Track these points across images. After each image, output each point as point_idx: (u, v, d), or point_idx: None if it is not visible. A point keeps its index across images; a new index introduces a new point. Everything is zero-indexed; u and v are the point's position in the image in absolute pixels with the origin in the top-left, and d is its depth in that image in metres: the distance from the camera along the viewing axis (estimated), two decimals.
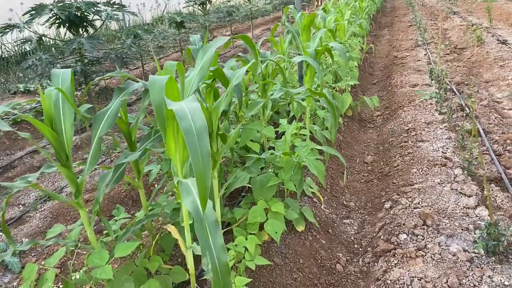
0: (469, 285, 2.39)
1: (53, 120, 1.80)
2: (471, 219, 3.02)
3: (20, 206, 4.02)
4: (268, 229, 2.61)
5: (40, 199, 4.05)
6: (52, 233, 2.13)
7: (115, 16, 5.59)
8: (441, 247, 2.73)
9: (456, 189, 3.41)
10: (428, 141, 4.46)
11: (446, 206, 3.21)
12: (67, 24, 5.41)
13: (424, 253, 2.72)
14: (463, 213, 3.11)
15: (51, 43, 9.45)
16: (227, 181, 2.64)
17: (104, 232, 2.45)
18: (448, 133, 4.55)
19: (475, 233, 2.80)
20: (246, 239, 2.44)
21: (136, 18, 13.89)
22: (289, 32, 4.41)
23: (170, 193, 2.87)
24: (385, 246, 2.92)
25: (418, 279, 2.50)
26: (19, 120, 5.80)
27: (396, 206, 3.37)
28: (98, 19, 5.81)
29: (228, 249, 2.35)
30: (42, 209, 3.88)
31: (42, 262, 2.00)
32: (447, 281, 2.43)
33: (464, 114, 5.02)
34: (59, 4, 5.13)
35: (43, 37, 5.86)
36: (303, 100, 3.61)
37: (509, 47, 7.96)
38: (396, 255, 2.78)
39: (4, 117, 5.61)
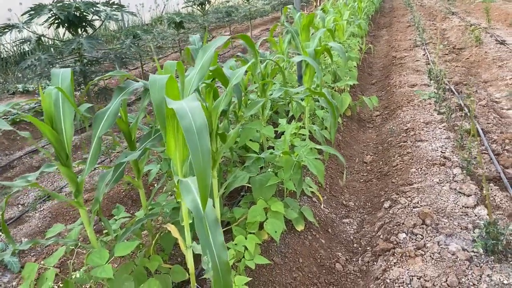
0: (468, 284, 2.40)
1: (53, 119, 1.80)
2: (470, 218, 3.03)
3: (19, 206, 4.01)
4: (267, 229, 2.61)
5: (40, 199, 4.05)
6: (51, 233, 2.13)
7: (114, 16, 5.60)
8: (440, 246, 2.73)
9: (455, 189, 3.42)
10: (427, 140, 4.47)
11: (445, 206, 3.22)
12: (66, 24, 5.42)
13: (423, 252, 2.72)
14: (462, 212, 3.12)
15: (50, 43, 9.45)
16: (227, 181, 2.64)
17: (104, 231, 2.45)
18: (447, 132, 4.56)
19: (474, 232, 2.81)
20: (246, 238, 2.44)
21: (135, 19, 13.89)
22: (288, 32, 4.41)
23: (170, 192, 2.87)
24: (385, 245, 2.93)
25: (417, 278, 2.50)
26: (18, 120, 5.79)
27: (395, 206, 3.38)
28: (97, 19, 5.81)
29: (228, 248, 2.36)
30: (42, 209, 3.87)
31: (42, 262, 2.00)
32: (446, 280, 2.43)
33: (463, 114, 5.03)
34: (58, 4, 5.13)
35: (42, 37, 5.86)
36: (302, 100, 3.62)
37: (508, 47, 7.98)
38: (395, 254, 2.79)
39: (3, 117, 5.61)
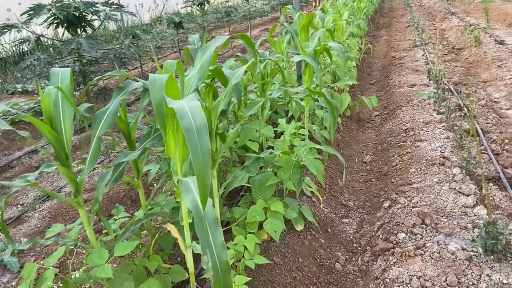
0: (468, 283, 2.40)
1: (52, 119, 1.80)
2: (469, 218, 3.03)
3: (19, 206, 4.01)
4: (267, 228, 2.61)
5: (39, 199, 4.05)
6: (51, 233, 2.13)
7: (114, 16, 5.59)
8: (440, 246, 2.74)
9: (455, 188, 3.42)
10: (426, 140, 4.47)
11: (445, 205, 3.22)
12: (65, 24, 5.41)
13: (423, 252, 2.72)
14: (461, 212, 3.12)
15: (49, 43, 9.44)
16: (226, 181, 2.64)
17: (104, 231, 2.45)
18: (446, 132, 4.56)
19: (473, 232, 2.81)
20: (245, 238, 2.44)
21: (134, 19, 13.89)
22: (287, 32, 4.42)
23: (169, 192, 2.87)
24: (384, 245, 2.93)
25: (417, 278, 2.51)
26: (17, 120, 5.79)
27: (395, 205, 3.38)
28: (97, 19, 5.81)
29: (228, 248, 2.36)
30: (41, 209, 3.87)
31: (41, 262, 2.00)
32: (446, 280, 2.43)
33: (462, 114, 5.04)
34: (57, 4, 5.13)
35: (41, 37, 5.86)
36: (301, 99, 3.62)
37: (507, 47, 7.99)
38: (395, 254, 2.79)
39: (2, 117, 5.60)
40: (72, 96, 1.88)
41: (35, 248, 3.24)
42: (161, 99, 1.44)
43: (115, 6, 5.73)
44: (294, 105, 3.89)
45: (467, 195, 3.30)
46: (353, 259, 3.06)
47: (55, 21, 5.35)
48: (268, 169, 2.95)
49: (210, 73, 2.32)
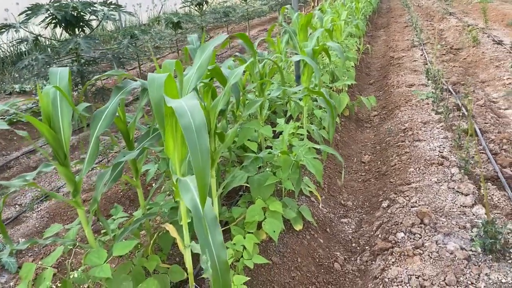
0: (467, 283, 2.40)
1: (51, 118, 1.79)
2: (468, 217, 3.04)
3: (17, 206, 4.00)
4: (266, 228, 2.61)
5: (37, 199, 4.03)
6: (49, 232, 2.12)
7: (112, 16, 5.58)
8: (439, 245, 2.74)
9: (453, 188, 3.43)
10: (425, 140, 4.48)
11: (443, 205, 3.23)
12: (63, 24, 5.40)
13: (421, 252, 2.73)
14: (460, 211, 3.12)
15: (47, 43, 9.42)
16: (225, 180, 2.64)
17: (102, 231, 2.45)
18: (445, 132, 4.57)
19: (472, 232, 2.82)
20: (244, 238, 2.44)
21: (132, 19, 13.86)
22: (286, 32, 4.42)
23: (168, 192, 2.86)
24: (383, 245, 2.93)
25: (416, 277, 2.51)
26: (14, 120, 5.78)
27: (394, 205, 3.38)
28: (95, 19, 5.80)
29: (226, 248, 2.35)
30: (39, 209, 3.86)
31: (40, 262, 1.99)
32: (444, 279, 2.44)
33: (461, 114, 5.05)
34: (55, 4, 5.12)
35: (39, 37, 5.84)
36: (300, 99, 3.62)
37: (505, 48, 8.01)
38: (393, 253, 2.79)
39: (0, 118, 5.59)
40: (70, 95, 1.87)
41: (33, 249, 3.23)
42: (160, 98, 1.44)
43: (113, 6, 5.72)
44: (292, 105, 3.89)
45: (466, 195, 3.30)
46: (352, 259, 3.06)
47: (53, 21, 5.33)
48: (267, 169, 2.95)
49: (208, 73, 2.32)
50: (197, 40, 2.80)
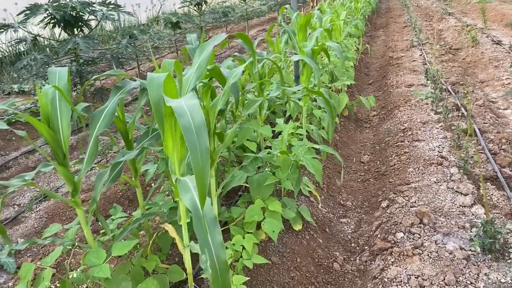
0: (466, 282, 2.40)
1: (50, 118, 1.78)
2: (467, 217, 3.04)
3: (15, 206, 3.99)
4: (265, 228, 2.60)
5: (36, 199, 4.03)
6: (48, 232, 2.12)
7: (111, 16, 5.58)
8: (438, 245, 2.74)
9: (452, 188, 3.43)
10: (424, 140, 4.48)
11: (443, 205, 3.23)
12: (62, 24, 5.40)
13: (421, 251, 2.72)
14: (459, 211, 3.12)
15: (46, 43, 9.41)
16: (224, 180, 2.64)
17: (101, 231, 2.44)
18: (444, 132, 4.57)
19: (471, 231, 2.82)
20: (244, 238, 2.43)
21: (131, 19, 13.86)
22: (285, 32, 4.42)
23: (167, 192, 2.86)
24: (382, 245, 2.93)
25: (415, 277, 2.50)
26: (13, 121, 5.77)
27: (393, 205, 3.38)
28: (94, 19, 5.79)
29: (226, 248, 2.35)
30: (38, 209, 3.85)
31: (38, 262, 1.99)
32: (444, 279, 2.44)
33: (460, 114, 5.05)
34: (54, 4, 5.11)
35: (37, 37, 5.84)
36: (299, 99, 3.61)
37: (504, 48, 8.02)
38: (393, 253, 2.79)
39: None
40: (69, 95, 1.87)
41: (32, 249, 3.22)
42: (159, 98, 1.43)
43: (112, 6, 5.72)
44: (292, 105, 3.89)
45: (465, 195, 3.30)
46: (351, 259, 3.06)
47: (52, 21, 5.33)
48: (266, 169, 2.94)
49: (208, 73, 2.31)
50: (196, 40, 2.80)
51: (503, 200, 3.25)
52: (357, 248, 3.18)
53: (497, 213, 3.10)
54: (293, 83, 4.62)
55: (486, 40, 8.93)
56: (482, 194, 3.24)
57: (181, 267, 2.19)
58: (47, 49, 6.15)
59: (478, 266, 2.51)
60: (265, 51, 6.67)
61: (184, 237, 1.88)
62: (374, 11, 15.55)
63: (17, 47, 9.42)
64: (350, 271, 2.92)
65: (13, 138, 5.57)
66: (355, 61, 6.81)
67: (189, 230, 1.89)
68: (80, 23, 5.54)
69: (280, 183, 2.92)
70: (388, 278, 2.56)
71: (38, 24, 5.40)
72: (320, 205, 3.51)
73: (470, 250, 2.66)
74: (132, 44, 6.55)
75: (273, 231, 2.59)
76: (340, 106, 4.97)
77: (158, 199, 2.61)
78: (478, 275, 2.45)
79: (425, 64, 7.69)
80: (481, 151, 4.10)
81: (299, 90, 3.24)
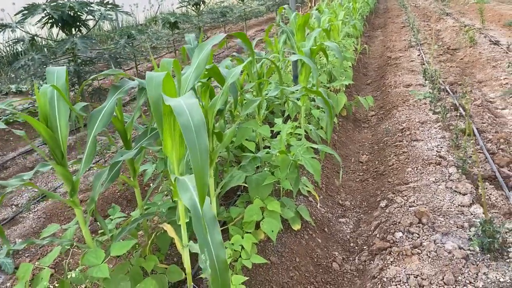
0: (465, 282, 2.40)
1: (48, 117, 1.78)
2: (466, 217, 3.04)
3: (13, 206, 3.97)
4: (264, 228, 2.60)
5: (34, 200, 4.01)
6: (47, 233, 2.11)
7: (109, 16, 5.57)
8: (437, 244, 2.74)
9: (451, 188, 3.43)
10: (422, 140, 4.48)
11: (441, 204, 3.23)
12: (60, 24, 5.38)
13: (420, 251, 2.72)
14: (458, 211, 3.12)
15: (44, 43, 9.39)
16: (223, 180, 2.63)
17: (100, 231, 2.43)
18: (442, 132, 4.58)
19: (470, 231, 2.82)
20: (243, 237, 2.43)
21: (129, 19, 13.84)
22: (283, 32, 4.41)
23: (166, 192, 2.85)
24: (381, 244, 2.92)
25: (414, 277, 2.50)
26: (11, 121, 5.75)
27: (392, 205, 3.38)
28: (92, 19, 5.78)
29: (225, 248, 2.34)
30: (36, 209, 3.84)
31: (37, 262, 1.98)
32: (443, 278, 2.44)
33: (458, 114, 5.06)
34: (52, 4, 5.10)
35: (35, 37, 5.82)
36: (298, 99, 3.61)
37: (501, 48, 8.04)
38: (392, 253, 2.79)
39: None
40: (68, 95, 1.86)
41: (30, 249, 3.21)
42: (158, 97, 1.43)
43: (110, 6, 5.71)
44: (290, 104, 3.88)
45: (464, 194, 3.30)
46: (350, 259, 3.06)
47: (50, 21, 5.32)
48: (265, 169, 2.94)
49: (206, 72, 2.31)
50: (195, 40, 2.79)
51: (502, 200, 3.26)
52: (356, 247, 3.18)
53: (495, 212, 3.11)
54: (292, 83, 4.61)
55: (484, 40, 8.95)
56: (481, 194, 3.24)
57: (180, 267, 2.18)
58: (45, 49, 6.14)
59: (477, 265, 2.51)
60: (263, 51, 6.67)
61: (183, 237, 1.87)
62: (372, 11, 15.57)
63: (15, 47, 9.39)
64: (349, 270, 2.92)
65: (11, 139, 5.56)
66: (353, 61, 6.81)
67: (188, 230, 1.88)
68: (78, 23, 5.52)
69: (279, 182, 2.92)
70: (387, 278, 2.56)
71: (36, 24, 5.38)
72: (319, 204, 3.51)
73: (469, 249, 2.66)
74: (130, 44, 6.54)
75: (272, 231, 2.59)
76: (338, 106, 4.97)
77: (157, 199, 2.61)
78: (477, 274, 2.45)
79: (423, 64, 7.70)
80: (479, 150, 4.11)
81: (297, 90, 3.24)
